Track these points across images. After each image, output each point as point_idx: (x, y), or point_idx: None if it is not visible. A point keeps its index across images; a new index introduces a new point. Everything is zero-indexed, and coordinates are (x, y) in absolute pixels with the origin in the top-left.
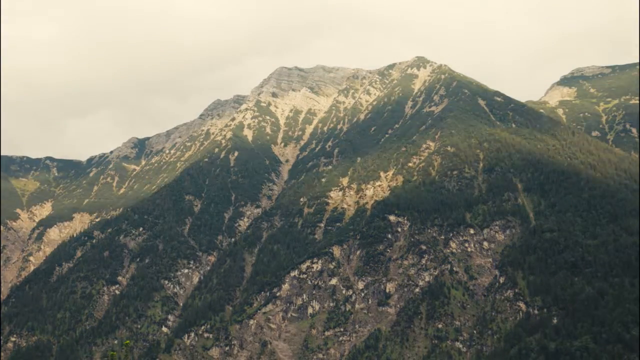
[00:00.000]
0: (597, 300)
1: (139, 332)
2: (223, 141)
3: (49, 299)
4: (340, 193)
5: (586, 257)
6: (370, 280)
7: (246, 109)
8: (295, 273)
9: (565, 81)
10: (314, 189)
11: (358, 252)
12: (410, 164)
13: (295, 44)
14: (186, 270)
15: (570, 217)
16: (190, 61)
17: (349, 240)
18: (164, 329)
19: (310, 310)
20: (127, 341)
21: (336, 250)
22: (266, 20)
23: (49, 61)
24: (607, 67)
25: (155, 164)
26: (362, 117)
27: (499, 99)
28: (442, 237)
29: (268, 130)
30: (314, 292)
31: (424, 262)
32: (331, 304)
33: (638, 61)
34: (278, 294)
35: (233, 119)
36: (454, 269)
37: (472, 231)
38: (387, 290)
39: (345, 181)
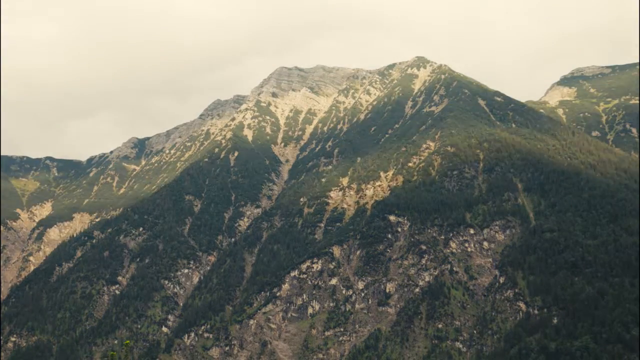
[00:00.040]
0: (597, 300)
1: (139, 332)
2: (223, 141)
3: (49, 299)
4: (340, 193)
5: (586, 257)
6: (370, 280)
7: (246, 109)
8: (295, 273)
9: (565, 81)
10: (314, 189)
11: (358, 252)
12: (410, 164)
13: (295, 44)
14: (186, 270)
15: (570, 217)
16: (190, 61)
17: (349, 240)
18: (164, 329)
19: (310, 310)
20: (127, 341)
21: (336, 250)
22: (266, 20)
23: (49, 61)
24: (607, 67)
25: (155, 164)
26: (362, 117)
27: (499, 99)
28: (442, 237)
29: (268, 130)
30: (314, 292)
31: (424, 262)
32: (331, 304)
33: (638, 61)
34: (278, 294)
35: (233, 119)
36: (454, 269)
37: (472, 231)
38: (387, 290)
39: (345, 181)
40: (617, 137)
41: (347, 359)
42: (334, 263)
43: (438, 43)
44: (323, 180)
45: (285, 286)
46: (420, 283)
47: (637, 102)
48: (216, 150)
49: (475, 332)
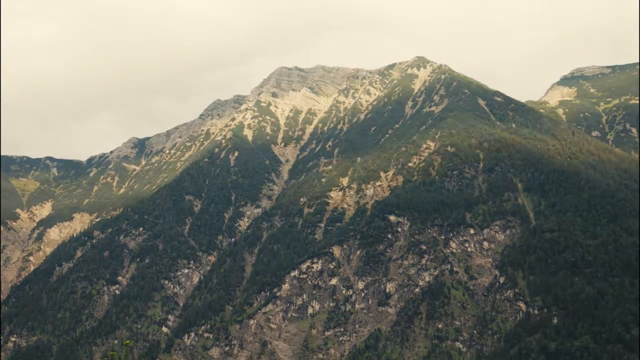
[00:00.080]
0: (597, 300)
1: (139, 332)
2: (223, 141)
3: (49, 299)
4: (341, 193)
5: (586, 257)
6: (370, 280)
7: (246, 109)
8: (295, 273)
9: (565, 81)
10: (314, 189)
11: (358, 252)
12: (410, 164)
13: (295, 44)
14: (186, 270)
15: (570, 217)
16: (190, 61)
17: (349, 240)
18: (164, 329)
19: (310, 310)
20: (127, 341)
21: (336, 250)
22: (266, 20)
23: (49, 61)
24: (607, 67)
25: (155, 164)
26: (362, 117)
27: (499, 99)
28: (442, 237)
29: (268, 130)
30: (314, 292)
31: (424, 262)
32: (331, 304)
33: (638, 61)
34: (278, 294)
35: (233, 119)
36: (454, 269)
37: (472, 231)
38: (387, 290)
39: (345, 181)
40: (617, 137)
41: (347, 359)
42: (334, 263)
43: (438, 43)
44: (323, 180)
45: (285, 286)
46: (420, 283)
47: (637, 102)
48: (216, 150)
49: (475, 332)
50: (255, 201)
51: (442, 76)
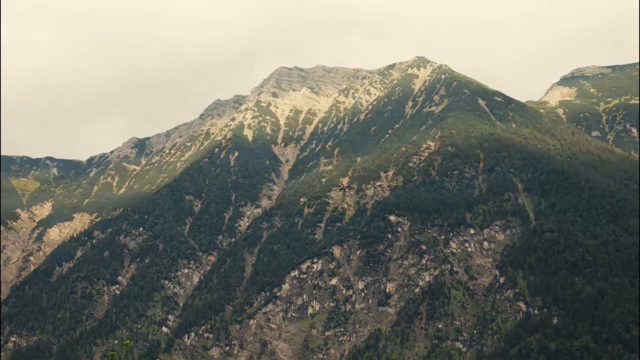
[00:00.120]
0: (597, 300)
1: (139, 332)
2: (223, 141)
3: (49, 299)
4: (341, 193)
5: (586, 257)
6: (371, 280)
7: (246, 109)
8: (295, 273)
9: (565, 81)
10: (314, 189)
11: (358, 252)
12: (410, 164)
13: (295, 44)
14: (186, 270)
15: (570, 217)
16: (190, 61)
17: (349, 240)
18: (164, 329)
19: (310, 310)
20: (127, 341)
21: (336, 250)
22: (266, 20)
23: (49, 61)
24: (607, 67)
25: (155, 164)
26: (362, 117)
27: (499, 99)
28: (442, 237)
29: (268, 130)
30: (314, 292)
31: (424, 262)
32: (331, 304)
33: (638, 61)
34: (278, 294)
35: (233, 119)
36: (454, 269)
37: (472, 231)
38: (387, 290)
39: (345, 181)
40: (617, 137)
41: (347, 359)
42: (334, 263)
43: (438, 43)
44: (323, 180)
45: (286, 286)
46: (421, 283)
47: (637, 102)
48: (216, 150)
49: (475, 332)
50: (255, 201)
51: (442, 76)
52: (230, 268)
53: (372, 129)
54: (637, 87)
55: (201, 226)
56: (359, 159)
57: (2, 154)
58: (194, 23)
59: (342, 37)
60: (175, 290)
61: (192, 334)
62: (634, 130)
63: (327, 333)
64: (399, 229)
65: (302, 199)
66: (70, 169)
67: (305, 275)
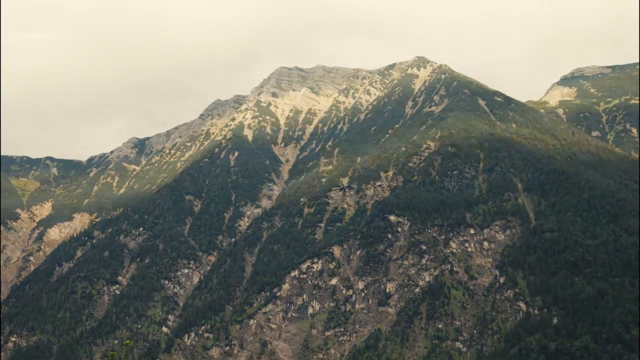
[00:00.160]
0: (597, 300)
1: (139, 332)
2: (223, 141)
3: (49, 299)
4: (341, 193)
5: (586, 257)
6: (371, 280)
7: (246, 109)
8: (295, 273)
9: (565, 81)
10: (314, 189)
11: (358, 252)
12: (410, 164)
13: (295, 44)
14: (186, 270)
15: (570, 217)
16: (190, 61)
17: (349, 240)
18: (164, 329)
19: (310, 310)
20: (127, 341)
21: (336, 250)
22: (266, 20)
23: (49, 61)
24: (607, 67)
25: (156, 164)
26: (362, 117)
27: (499, 99)
28: (442, 237)
29: (268, 130)
30: (314, 292)
31: (424, 262)
32: (331, 304)
33: (638, 61)
34: (278, 294)
35: (233, 119)
36: (454, 269)
37: (472, 231)
38: (387, 290)
39: (345, 181)
40: (617, 137)
41: (347, 359)
42: (334, 263)
43: (438, 43)
44: (323, 180)
45: (286, 286)
46: (421, 283)
47: (637, 102)
48: (216, 150)
49: (475, 332)
50: (255, 201)
51: (442, 76)
52: (230, 268)
53: (372, 129)
54: (637, 87)
55: (201, 226)
56: (359, 159)
57: (2, 154)
58: (194, 23)
59: (342, 37)
60: (175, 290)
61: (192, 334)
62: (634, 130)
63: (327, 333)
64: (399, 229)
65: (302, 199)
66: (70, 169)
67: (305, 275)
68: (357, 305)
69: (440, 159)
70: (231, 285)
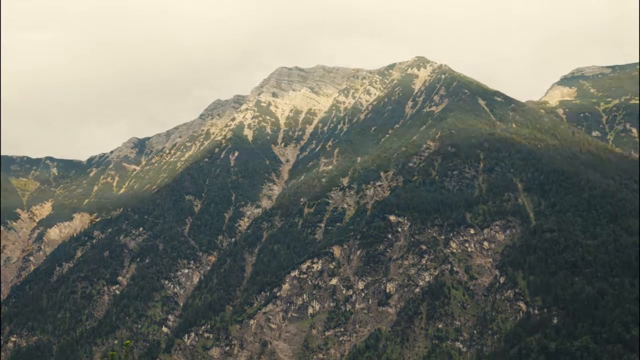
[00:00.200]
0: (597, 300)
1: (139, 332)
2: (223, 141)
3: (49, 299)
4: (341, 193)
5: (586, 257)
6: (371, 280)
7: (246, 109)
8: (295, 273)
9: (565, 81)
10: (314, 189)
11: (358, 252)
12: (410, 164)
13: (295, 44)
14: (186, 270)
15: (570, 217)
16: (190, 61)
17: (349, 240)
18: (164, 329)
19: (310, 310)
20: (127, 341)
21: (336, 250)
22: (266, 20)
23: (49, 61)
24: (607, 67)
25: (156, 164)
26: (362, 117)
27: (499, 99)
28: (442, 237)
29: (268, 130)
30: (314, 292)
31: (424, 262)
32: (331, 304)
33: (638, 61)
34: (278, 294)
35: (233, 119)
36: (454, 269)
37: (472, 231)
38: (387, 290)
39: (345, 181)
40: (617, 137)
41: (347, 359)
42: (334, 263)
43: (438, 43)
44: (323, 180)
45: (286, 286)
46: (421, 283)
47: (637, 102)
48: (216, 150)
49: (475, 332)
50: (255, 201)
51: (442, 76)
52: (230, 268)
53: (372, 129)
54: (637, 87)
55: (201, 226)
56: (359, 159)
57: (2, 154)
58: (194, 23)
59: (342, 37)
60: (175, 290)
61: (192, 334)
62: (634, 130)
63: (327, 333)
64: (399, 229)
65: (302, 199)
66: (70, 169)
67: (305, 275)
68: (357, 305)
69: (440, 159)
70: (231, 285)
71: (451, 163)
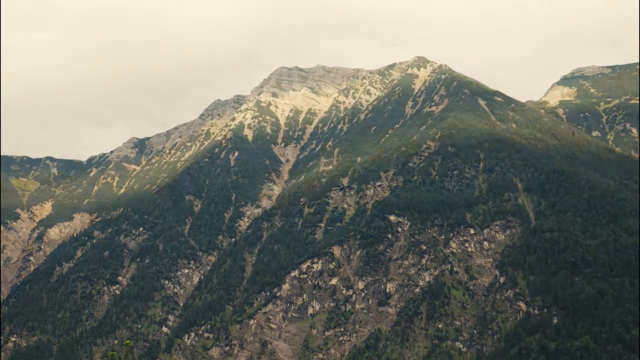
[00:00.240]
0: (597, 300)
1: (139, 332)
2: (223, 141)
3: (49, 299)
4: (341, 193)
5: (586, 257)
6: (371, 280)
7: (246, 109)
8: (295, 273)
9: (565, 81)
10: (314, 189)
11: (358, 252)
12: (410, 164)
13: (295, 44)
14: (186, 270)
15: (570, 217)
16: (190, 61)
17: (349, 240)
18: (164, 329)
19: (310, 310)
20: (127, 341)
21: (336, 250)
22: (266, 20)
23: (49, 61)
24: (607, 67)
25: (156, 164)
26: (362, 117)
27: (499, 99)
28: (442, 237)
29: (268, 130)
30: (314, 292)
31: (424, 262)
32: (331, 304)
33: (638, 61)
34: (278, 294)
35: (233, 119)
36: (454, 269)
37: (472, 231)
38: (388, 290)
39: (345, 181)
40: (617, 137)
41: (347, 359)
42: (334, 263)
43: (438, 43)
44: (323, 180)
45: (286, 286)
46: (421, 283)
47: (637, 102)
48: (216, 150)
49: (475, 332)
50: (255, 201)
51: (442, 76)
52: (230, 268)
53: (372, 129)
54: (637, 87)
55: (201, 226)
56: (359, 159)
57: (2, 154)
58: (194, 23)
59: (342, 37)
60: (175, 290)
61: (192, 334)
62: (634, 130)
63: (327, 333)
64: (399, 229)
65: (302, 199)
66: (70, 169)
67: (305, 275)
68: (357, 305)
69: (440, 159)
70: (231, 285)
71: (451, 163)
